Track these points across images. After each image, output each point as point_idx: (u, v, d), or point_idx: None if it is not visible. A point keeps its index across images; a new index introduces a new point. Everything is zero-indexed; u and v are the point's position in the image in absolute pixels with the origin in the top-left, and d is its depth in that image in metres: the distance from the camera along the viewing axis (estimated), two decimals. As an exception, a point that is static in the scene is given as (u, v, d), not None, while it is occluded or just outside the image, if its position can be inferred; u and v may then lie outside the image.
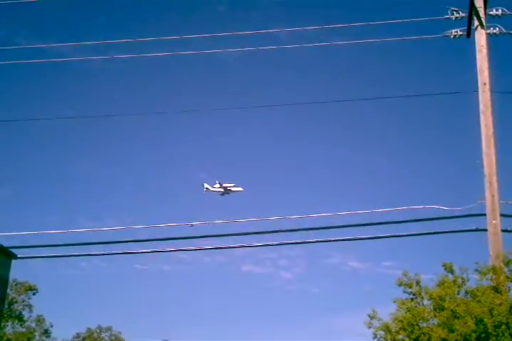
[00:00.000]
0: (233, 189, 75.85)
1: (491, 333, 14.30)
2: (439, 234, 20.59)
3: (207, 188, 78.42)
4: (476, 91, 19.64)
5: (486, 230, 18.50)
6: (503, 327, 14.23)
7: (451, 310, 14.76)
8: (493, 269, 16.24)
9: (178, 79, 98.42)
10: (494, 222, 18.40)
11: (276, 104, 34.10)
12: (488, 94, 19.52)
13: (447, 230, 20.17)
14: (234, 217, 23.16)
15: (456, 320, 14.51)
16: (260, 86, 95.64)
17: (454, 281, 16.01)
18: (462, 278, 16.10)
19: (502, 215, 18.70)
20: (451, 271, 16.27)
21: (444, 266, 16.40)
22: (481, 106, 19.49)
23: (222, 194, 76.92)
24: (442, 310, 15.12)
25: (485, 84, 19.58)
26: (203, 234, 21.13)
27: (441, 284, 15.96)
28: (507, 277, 16.00)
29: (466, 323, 14.29)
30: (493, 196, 18.67)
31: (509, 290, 15.96)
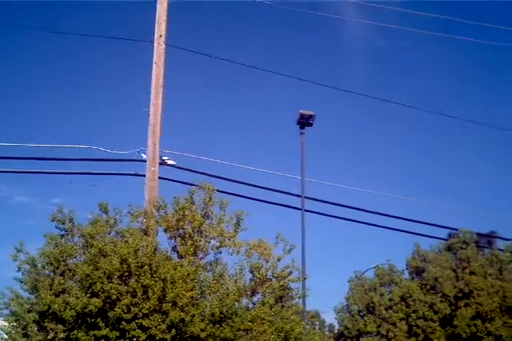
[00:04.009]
0: None
1: (133, 273, 15.08)
2: (100, 176, 21.17)
3: None
4: (152, 41, 20.22)
5: (144, 175, 19.35)
6: (146, 267, 15.04)
7: (99, 249, 15.26)
8: (145, 213, 17.10)
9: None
10: (153, 168, 19.29)
11: None
12: (163, 46, 20.17)
13: (108, 172, 20.79)
14: None
15: (102, 258, 15.04)
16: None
17: (107, 221, 16.52)
18: (115, 219, 16.65)
19: (161, 163, 19.68)
20: (106, 211, 16.75)
21: (99, 205, 16.80)
22: (155, 57, 20.12)
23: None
24: (91, 247, 15.55)
25: (161, 36, 20.20)
26: None
27: (94, 223, 16.37)
28: (156, 221, 16.93)
29: (111, 262, 14.88)
30: (155, 144, 19.51)
31: (157, 233, 16.94)
